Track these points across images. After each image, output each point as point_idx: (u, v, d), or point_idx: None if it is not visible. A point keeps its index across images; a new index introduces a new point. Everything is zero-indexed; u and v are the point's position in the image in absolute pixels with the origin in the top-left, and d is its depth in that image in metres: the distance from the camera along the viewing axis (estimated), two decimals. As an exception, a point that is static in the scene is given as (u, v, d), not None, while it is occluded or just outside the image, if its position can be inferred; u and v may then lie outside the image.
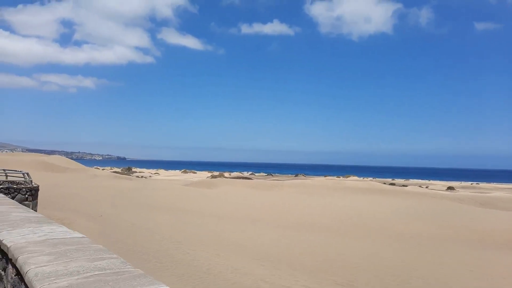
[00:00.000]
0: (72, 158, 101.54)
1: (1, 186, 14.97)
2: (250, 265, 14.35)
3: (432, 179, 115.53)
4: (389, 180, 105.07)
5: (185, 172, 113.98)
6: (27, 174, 16.35)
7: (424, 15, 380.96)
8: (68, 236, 4.88)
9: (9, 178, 17.21)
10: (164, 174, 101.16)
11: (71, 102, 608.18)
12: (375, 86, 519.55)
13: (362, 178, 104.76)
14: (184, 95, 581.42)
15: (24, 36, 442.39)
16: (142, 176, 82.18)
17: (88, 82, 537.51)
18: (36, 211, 15.22)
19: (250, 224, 22.42)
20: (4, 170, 17.23)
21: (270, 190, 40.55)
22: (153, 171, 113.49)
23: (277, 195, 36.67)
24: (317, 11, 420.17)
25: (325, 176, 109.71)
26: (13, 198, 14.76)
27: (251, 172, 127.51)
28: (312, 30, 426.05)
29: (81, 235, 4.99)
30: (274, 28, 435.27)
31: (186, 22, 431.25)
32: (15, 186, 15.47)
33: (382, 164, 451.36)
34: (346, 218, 26.16)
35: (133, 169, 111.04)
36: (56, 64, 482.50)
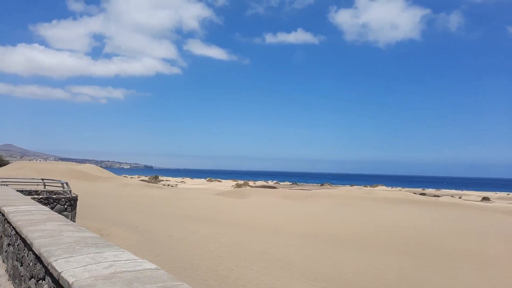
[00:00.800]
0: (102, 167, 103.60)
1: (41, 196, 14.47)
2: (300, 286, 13.06)
3: (464, 189, 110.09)
4: (419, 190, 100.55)
5: (210, 180, 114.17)
6: (66, 183, 15.83)
7: (453, 20, 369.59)
8: (139, 268, 3.82)
9: (47, 188, 16.81)
10: (190, 183, 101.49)
11: (102, 112, 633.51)
12: (401, 94, 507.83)
13: (390, 187, 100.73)
14: (209, 105, 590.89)
15: (58, 49, 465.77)
16: (168, 185, 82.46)
17: (117, 93, 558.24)
18: (74, 221, 14.59)
19: (292, 237, 21.07)
20: (42, 179, 16.84)
21: (305, 200, 38.99)
22: (179, 179, 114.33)
23: (313, 206, 35.05)
24: (342, 18, 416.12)
25: (351, 185, 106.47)
26: (52, 208, 14.20)
27: (275, 181, 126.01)
28: (337, 38, 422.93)
29: (154, 266, 3.94)
30: (299, 37, 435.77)
31: (212, 33, 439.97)
32: (54, 196, 14.96)
33: (404, 174, 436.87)
34: (395, 231, 24.30)
35: (160, 178, 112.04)
36: (87, 76, 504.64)
